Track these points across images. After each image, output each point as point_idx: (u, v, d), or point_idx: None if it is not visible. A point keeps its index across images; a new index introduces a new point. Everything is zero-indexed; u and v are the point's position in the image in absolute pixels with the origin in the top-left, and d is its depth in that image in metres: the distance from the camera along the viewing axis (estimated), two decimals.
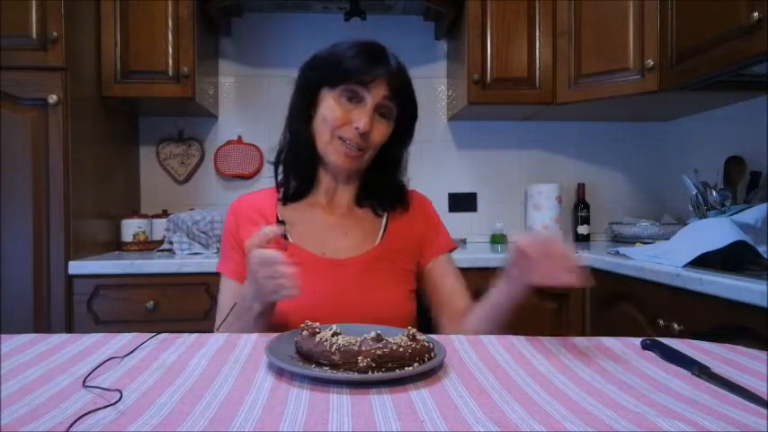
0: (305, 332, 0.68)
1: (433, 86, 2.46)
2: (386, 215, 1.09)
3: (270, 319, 0.94)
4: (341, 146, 0.98)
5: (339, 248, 1.03)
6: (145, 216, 2.14)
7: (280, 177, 1.09)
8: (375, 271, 1.02)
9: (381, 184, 1.08)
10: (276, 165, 1.09)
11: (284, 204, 1.08)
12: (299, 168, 1.06)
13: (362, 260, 1.02)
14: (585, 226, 2.39)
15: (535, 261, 0.78)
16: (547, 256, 0.77)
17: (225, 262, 1.07)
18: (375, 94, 0.97)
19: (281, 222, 1.04)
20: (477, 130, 2.48)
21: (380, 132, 1.00)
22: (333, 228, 1.06)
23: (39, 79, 1.70)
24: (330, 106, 0.98)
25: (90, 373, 0.62)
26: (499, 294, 0.92)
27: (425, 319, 1.11)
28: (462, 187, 2.49)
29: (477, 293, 0.98)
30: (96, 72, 1.95)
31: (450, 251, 1.13)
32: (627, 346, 0.76)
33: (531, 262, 0.79)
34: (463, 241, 2.31)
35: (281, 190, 1.08)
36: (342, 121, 0.97)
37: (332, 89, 0.98)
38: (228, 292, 1.04)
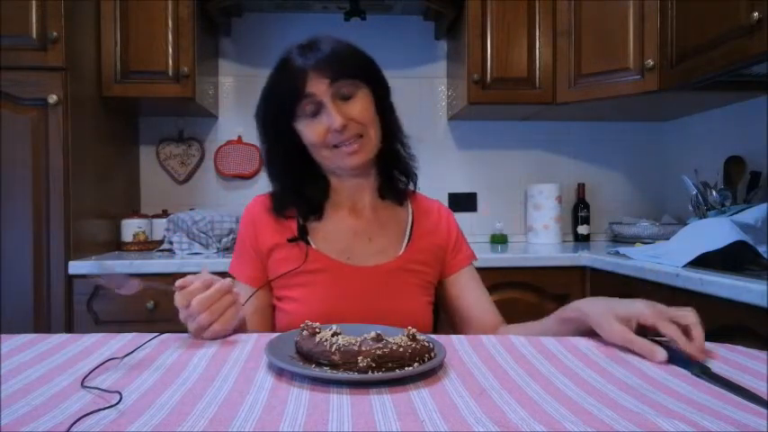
0: (305, 332, 0.68)
1: (433, 86, 2.46)
2: (410, 223, 1.06)
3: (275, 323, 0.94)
4: (340, 150, 0.95)
5: (363, 255, 1.00)
6: (145, 216, 2.14)
7: (290, 201, 1.02)
8: (397, 281, 0.99)
9: (394, 156, 1.04)
10: (282, 205, 1.02)
11: (306, 220, 1.02)
12: (309, 193, 1.02)
13: (386, 269, 0.99)
14: (585, 226, 2.39)
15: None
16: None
17: (240, 267, 1.04)
18: (322, 91, 0.92)
19: (302, 226, 1.00)
20: (477, 130, 2.48)
21: (354, 108, 0.94)
22: (358, 233, 1.02)
23: (39, 79, 1.70)
24: (306, 132, 0.96)
25: (89, 374, 0.62)
26: (552, 328, 0.86)
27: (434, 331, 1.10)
28: (462, 187, 2.49)
29: None
30: (96, 72, 1.95)
31: (471, 262, 1.10)
32: None
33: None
34: None
35: (301, 212, 1.02)
36: (321, 134, 0.94)
37: (296, 119, 0.96)
38: (244, 295, 1.01)
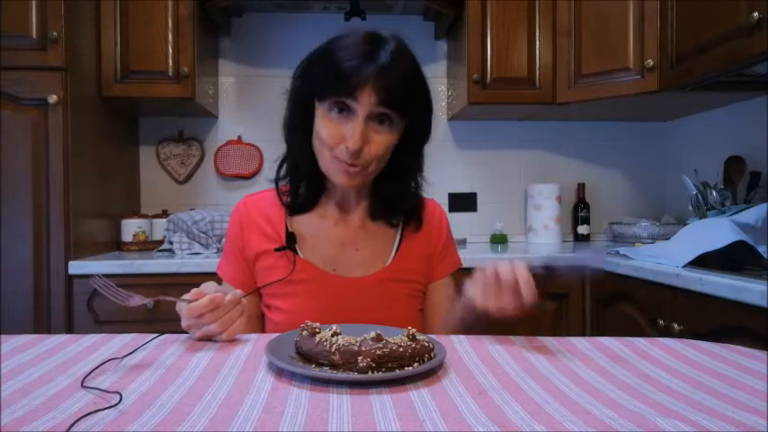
0: (305, 332, 0.68)
1: (433, 86, 2.39)
2: (400, 231, 1.02)
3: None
4: (340, 163, 0.89)
5: (350, 266, 0.98)
6: (145, 216, 2.14)
7: (283, 186, 1.01)
8: (385, 291, 0.98)
9: (395, 195, 0.99)
10: (277, 180, 1.00)
11: (292, 214, 1.00)
12: (304, 183, 0.99)
13: (373, 280, 0.97)
14: (585, 226, 2.39)
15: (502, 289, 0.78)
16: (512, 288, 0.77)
17: (226, 267, 1.03)
18: (365, 103, 0.84)
19: (290, 235, 0.98)
20: (477, 130, 2.48)
21: (379, 144, 0.88)
22: (345, 243, 0.99)
23: (39, 79, 1.70)
24: (322, 123, 0.88)
25: (89, 374, 0.62)
26: (463, 309, 0.89)
27: None
28: (462, 187, 2.49)
29: None
30: (96, 72, 1.95)
31: (454, 272, 1.09)
32: (627, 346, 0.76)
33: (497, 289, 0.78)
34: (463, 241, 2.31)
35: (288, 203, 1.00)
36: (336, 139, 0.87)
37: (321, 102, 0.89)
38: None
